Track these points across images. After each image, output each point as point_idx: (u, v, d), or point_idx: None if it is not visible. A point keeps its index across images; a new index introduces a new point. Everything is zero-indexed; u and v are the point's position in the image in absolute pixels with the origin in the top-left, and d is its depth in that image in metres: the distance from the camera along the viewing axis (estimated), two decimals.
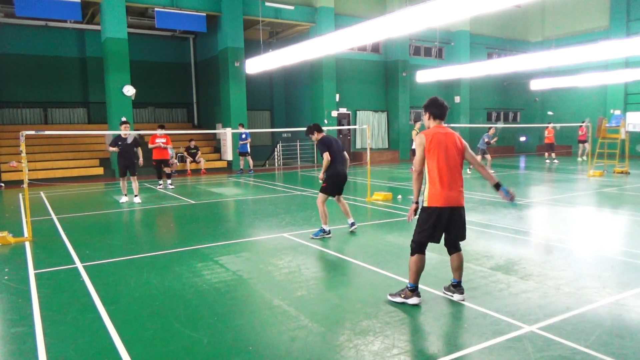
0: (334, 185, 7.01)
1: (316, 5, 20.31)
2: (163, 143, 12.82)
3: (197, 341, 3.65)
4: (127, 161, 10.66)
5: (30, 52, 19.30)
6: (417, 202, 4.30)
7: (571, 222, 8.35)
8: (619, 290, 4.58)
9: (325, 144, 6.94)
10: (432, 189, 4.21)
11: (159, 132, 12.75)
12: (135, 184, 10.96)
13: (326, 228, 7.00)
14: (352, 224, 7.33)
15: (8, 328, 3.99)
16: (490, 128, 16.28)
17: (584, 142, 20.57)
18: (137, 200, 10.83)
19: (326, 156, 6.84)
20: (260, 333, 3.81)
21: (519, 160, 23.07)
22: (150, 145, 12.93)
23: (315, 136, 7.13)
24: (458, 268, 4.44)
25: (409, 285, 4.31)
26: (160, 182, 13.45)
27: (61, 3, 15.14)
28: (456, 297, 4.40)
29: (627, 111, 22.85)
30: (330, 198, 7.12)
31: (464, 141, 4.38)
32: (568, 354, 3.31)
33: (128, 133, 10.64)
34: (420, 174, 4.27)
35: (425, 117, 4.42)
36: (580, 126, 20.01)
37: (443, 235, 4.34)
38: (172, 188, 13.23)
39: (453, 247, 4.44)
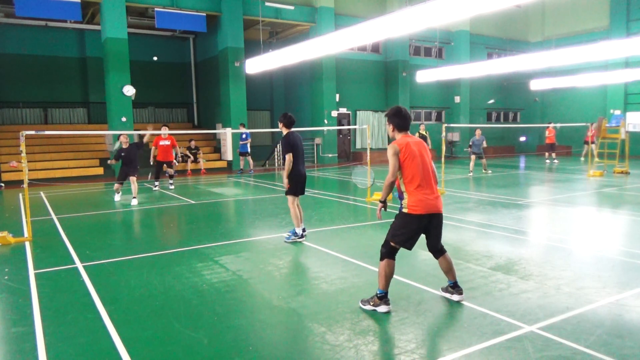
0: (298, 185, 6.80)
1: (316, 5, 20.31)
2: (167, 145, 12.78)
3: (197, 341, 3.65)
4: (128, 167, 10.84)
5: (30, 52, 19.30)
6: (384, 202, 4.25)
7: (571, 222, 8.35)
8: (619, 290, 4.58)
9: (290, 144, 6.68)
10: (411, 197, 4.10)
11: (163, 132, 12.57)
12: (134, 186, 10.92)
13: (298, 231, 6.80)
14: (303, 230, 6.93)
15: (8, 328, 3.99)
16: (476, 130, 16.16)
17: (589, 142, 20.04)
18: (134, 202, 10.71)
19: (289, 158, 6.64)
20: (260, 333, 3.81)
21: (519, 160, 23.07)
22: (152, 147, 12.92)
23: (281, 128, 6.87)
24: (449, 270, 4.41)
25: (377, 292, 4.19)
26: (157, 183, 13.11)
27: (61, 3, 15.13)
28: (455, 297, 4.39)
29: (627, 111, 22.85)
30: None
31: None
32: (568, 354, 3.31)
33: (126, 140, 10.85)
34: (393, 184, 4.16)
35: (389, 128, 4.33)
36: (589, 127, 19.70)
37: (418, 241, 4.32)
38: (172, 189, 13.19)
39: (437, 252, 4.40)
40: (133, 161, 10.88)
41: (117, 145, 11.82)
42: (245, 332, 3.83)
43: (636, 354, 3.32)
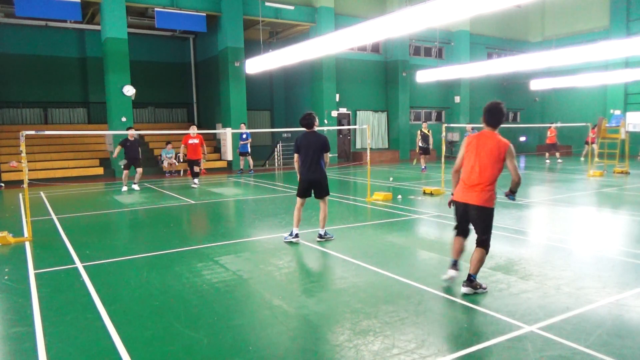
0: (299, 188, 6.74)
1: (316, 5, 20.31)
2: (196, 143, 13.44)
3: (197, 341, 3.65)
4: (134, 155, 12.68)
5: (30, 52, 19.29)
6: (452, 194, 4.80)
7: (571, 222, 8.35)
8: (619, 290, 4.58)
9: (297, 145, 6.64)
10: (457, 185, 4.72)
11: (192, 131, 13.32)
12: (138, 175, 13.00)
13: (294, 231, 6.75)
14: (319, 236, 6.83)
15: (8, 328, 3.99)
16: (467, 126, 16.10)
17: (590, 143, 19.88)
18: (135, 187, 12.90)
19: (295, 158, 6.69)
20: (260, 333, 3.81)
21: (519, 160, 23.08)
22: (182, 145, 13.55)
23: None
24: (471, 261, 4.59)
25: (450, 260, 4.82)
26: (196, 180, 13.77)
27: (61, 3, 15.13)
28: (462, 289, 4.53)
29: (627, 111, 22.86)
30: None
31: (508, 150, 4.38)
32: (568, 354, 3.31)
33: (135, 134, 12.75)
34: (457, 172, 4.75)
35: (482, 118, 4.63)
36: (593, 128, 19.51)
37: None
38: (196, 187, 13.47)
39: (476, 241, 4.62)
40: (137, 153, 12.72)
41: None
42: (245, 332, 3.83)
43: (636, 354, 3.32)
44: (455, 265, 4.80)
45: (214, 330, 3.84)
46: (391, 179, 11.25)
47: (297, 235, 6.77)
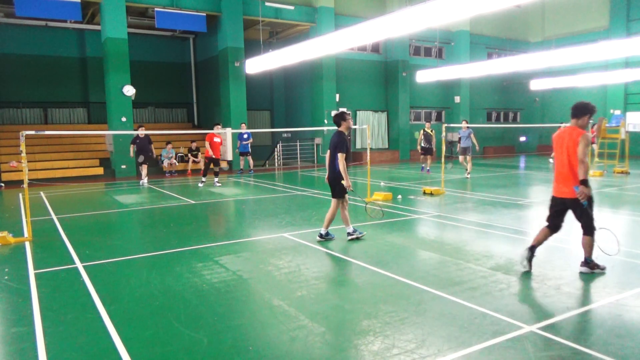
0: None
1: (316, 5, 20.30)
2: (219, 142, 13.88)
3: (197, 341, 3.65)
4: (144, 153, 13.82)
5: (30, 52, 19.29)
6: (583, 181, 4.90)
7: (571, 222, 8.32)
8: (619, 290, 4.58)
9: None
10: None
11: (217, 130, 13.64)
12: (144, 171, 14.06)
13: (350, 229, 6.85)
14: (320, 235, 6.84)
15: (8, 328, 4.00)
16: (463, 121, 15.68)
17: (590, 143, 19.61)
18: (145, 182, 14.02)
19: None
20: (260, 333, 3.82)
21: (519, 160, 23.07)
22: (207, 142, 13.77)
23: None
24: (582, 247, 5.05)
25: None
26: (203, 179, 14.02)
27: (61, 3, 15.13)
28: (580, 268, 5.07)
29: (627, 111, 22.84)
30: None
31: (582, 136, 4.80)
32: (568, 354, 3.31)
33: (144, 133, 13.54)
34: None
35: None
36: (592, 128, 19.41)
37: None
38: (220, 186, 13.68)
39: (582, 230, 5.04)
40: (147, 149, 13.80)
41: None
42: (245, 332, 3.83)
43: (636, 354, 3.32)
44: (531, 249, 5.13)
45: (214, 330, 3.84)
46: (382, 183, 11.41)
47: (349, 233, 6.84)
